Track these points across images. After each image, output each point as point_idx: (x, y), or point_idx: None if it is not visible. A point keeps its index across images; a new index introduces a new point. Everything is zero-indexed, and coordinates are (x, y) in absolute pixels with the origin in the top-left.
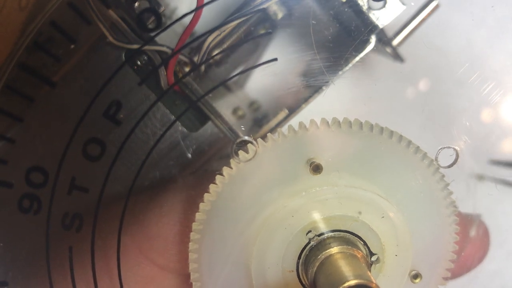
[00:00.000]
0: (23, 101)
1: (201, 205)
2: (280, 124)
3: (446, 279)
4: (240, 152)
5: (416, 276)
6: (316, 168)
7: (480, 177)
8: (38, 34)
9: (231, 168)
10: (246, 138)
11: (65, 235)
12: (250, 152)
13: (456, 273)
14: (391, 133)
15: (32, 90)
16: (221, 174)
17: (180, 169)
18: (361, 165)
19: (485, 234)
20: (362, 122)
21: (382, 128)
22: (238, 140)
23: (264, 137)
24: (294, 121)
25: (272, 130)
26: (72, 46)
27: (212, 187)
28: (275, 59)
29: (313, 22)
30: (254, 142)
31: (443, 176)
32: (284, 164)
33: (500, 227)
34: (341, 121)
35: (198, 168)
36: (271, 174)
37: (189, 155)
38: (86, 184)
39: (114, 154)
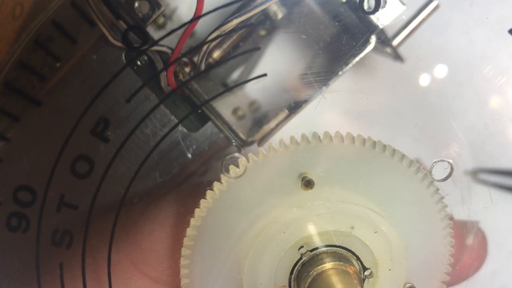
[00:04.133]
0: (9, 120)
1: (192, 221)
2: (280, 124)
3: None
4: (231, 167)
5: None
6: (308, 183)
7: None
8: (23, 52)
9: (221, 183)
10: (236, 154)
11: (55, 252)
12: (240, 168)
13: (452, 282)
14: (384, 147)
15: (17, 109)
16: (212, 190)
17: (180, 169)
18: (354, 180)
19: (482, 243)
20: (354, 136)
21: (374, 142)
22: (228, 157)
23: (255, 152)
24: (291, 125)
25: (272, 130)
26: (58, 64)
27: (202, 202)
28: (265, 75)
29: (312, 23)
30: (243, 158)
31: (438, 189)
32: (275, 179)
33: (500, 228)
34: (332, 136)
35: (198, 168)
36: (262, 189)
37: (189, 155)
38: (75, 201)
39: (103, 170)
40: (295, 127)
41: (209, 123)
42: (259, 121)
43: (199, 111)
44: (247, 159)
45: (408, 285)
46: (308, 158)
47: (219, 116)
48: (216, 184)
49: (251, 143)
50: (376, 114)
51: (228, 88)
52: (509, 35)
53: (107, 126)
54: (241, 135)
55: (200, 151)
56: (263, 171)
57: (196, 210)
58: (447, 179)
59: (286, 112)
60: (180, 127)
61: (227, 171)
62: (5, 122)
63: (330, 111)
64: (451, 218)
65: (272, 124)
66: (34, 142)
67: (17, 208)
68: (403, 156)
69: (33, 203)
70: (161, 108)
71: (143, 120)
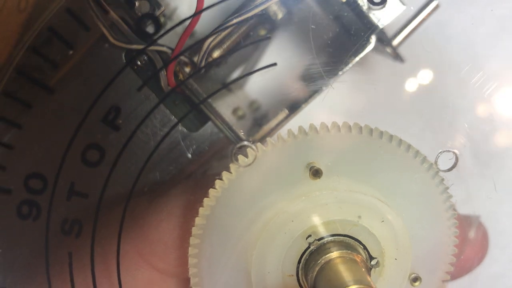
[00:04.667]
0: (21, 107)
1: (201, 210)
2: (280, 124)
3: (445, 281)
4: (240, 157)
5: (415, 279)
6: (316, 173)
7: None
8: (36, 40)
9: (230, 173)
10: (246, 143)
11: (64, 241)
12: (249, 157)
13: (455, 275)
14: (391, 137)
15: (29, 96)
16: (221, 179)
17: (180, 169)
18: (361, 169)
19: (484, 236)
20: (361, 126)
21: (381, 132)
22: (238, 145)
23: (263, 142)
24: (293, 123)
25: (272, 130)
26: (71, 52)
27: (211, 192)
28: (275, 64)
29: (312, 23)
30: (253, 146)
31: (443, 179)
32: (283, 168)
33: (503, 230)
34: (340, 125)
35: (198, 168)
36: (271, 178)
37: (189, 155)
38: (85, 189)
39: (113, 159)
40: (303, 115)
41: (209, 123)
42: (259, 121)
43: (199, 111)
44: (256, 148)
45: (413, 275)
46: (316, 148)
47: (219, 116)
48: (225, 174)
49: (251, 143)
50: (376, 114)
51: (228, 83)
52: (509, 34)
53: (118, 115)
54: (241, 135)
55: (200, 151)
56: (271, 160)
57: (205, 199)
58: (452, 170)
59: (286, 112)
60: (180, 127)
61: (236, 160)
62: (17, 109)
63: (330, 111)
64: (455, 209)
65: (272, 124)
66: (45, 129)
67: (29, 195)
68: (409, 147)
69: (44, 190)
70: (160, 108)
71: (149, 113)
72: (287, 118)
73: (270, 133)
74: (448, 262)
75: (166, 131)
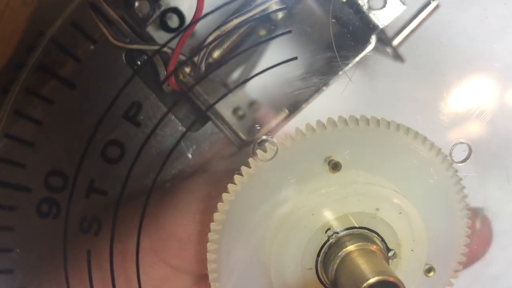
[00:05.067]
0: (43, 104)
1: (220, 205)
2: (280, 124)
3: (457, 271)
4: (259, 152)
5: (429, 270)
6: (335, 166)
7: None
8: (58, 34)
9: (249, 167)
10: (265, 137)
11: (83, 239)
12: (269, 152)
13: (463, 265)
14: (408, 130)
15: (51, 92)
16: (240, 174)
17: (180, 170)
18: (378, 162)
19: (488, 226)
20: (379, 119)
21: (398, 125)
22: (259, 140)
23: (282, 137)
24: (293, 124)
25: (272, 130)
26: (92, 47)
27: (230, 187)
28: (295, 58)
29: (312, 23)
30: (274, 141)
31: (456, 171)
32: (302, 162)
33: (504, 230)
34: (358, 118)
35: (198, 169)
36: (290, 173)
37: (189, 155)
38: (105, 187)
39: (134, 155)
40: (297, 123)
41: (209, 123)
42: (259, 121)
43: (199, 111)
44: (276, 143)
45: (427, 266)
46: (334, 142)
47: (219, 116)
48: (244, 169)
49: (251, 143)
50: (376, 114)
51: (240, 83)
52: (509, 34)
53: (139, 111)
54: (241, 135)
55: (200, 151)
56: (291, 155)
57: (224, 194)
58: (465, 161)
59: (286, 112)
60: (180, 127)
61: (256, 155)
62: (38, 105)
63: (330, 111)
64: (467, 200)
65: (272, 124)
66: (66, 126)
67: (48, 193)
68: (425, 139)
69: (64, 188)
70: (161, 109)
71: (170, 109)
72: (287, 118)
73: (270, 133)
74: (461, 253)
75: (166, 131)
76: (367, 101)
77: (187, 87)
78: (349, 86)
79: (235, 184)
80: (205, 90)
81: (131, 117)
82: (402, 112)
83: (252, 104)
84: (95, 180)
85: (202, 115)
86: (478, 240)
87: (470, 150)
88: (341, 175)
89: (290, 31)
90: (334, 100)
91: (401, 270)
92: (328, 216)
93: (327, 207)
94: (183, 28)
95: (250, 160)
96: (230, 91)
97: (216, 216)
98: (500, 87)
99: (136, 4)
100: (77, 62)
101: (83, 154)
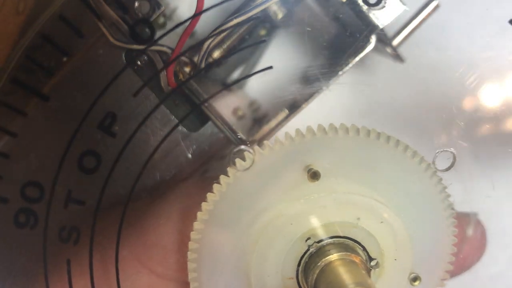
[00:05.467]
0: (16, 115)
1: (199, 214)
2: (280, 124)
3: (444, 280)
4: (238, 160)
5: (415, 279)
6: (314, 175)
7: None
8: (30, 46)
9: (228, 176)
10: (243, 147)
11: (62, 248)
12: (247, 160)
13: (453, 273)
14: (388, 138)
15: (24, 103)
16: (219, 183)
17: (179, 170)
18: (359, 171)
19: (482, 234)
20: (359, 128)
21: (379, 134)
22: (235, 149)
23: (261, 144)
24: (293, 124)
25: (272, 130)
26: (65, 59)
27: (209, 196)
28: (270, 67)
29: (312, 23)
30: (251, 150)
31: (441, 179)
32: (281, 171)
33: (503, 230)
34: (338, 127)
35: (198, 169)
36: (269, 181)
37: (189, 155)
38: (82, 197)
39: (110, 165)
40: (295, 126)
41: (209, 123)
42: (259, 121)
43: (199, 110)
44: (254, 152)
45: (413, 274)
46: (314, 150)
47: (219, 116)
48: (222, 178)
49: (251, 143)
50: (376, 113)
51: (228, 85)
52: (509, 33)
53: (114, 121)
54: (241, 135)
55: (200, 151)
56: (269, 163)
57: (203, 203)
58: (449, 169)
59: (286, 112)
60: (180, 127)
61: (234, 164)
62: (12, 117)
63: (330, 111)
64: (453, 208)
65: (272, 124)
66: (41, 137)
67: (25, 204)
68: (406, 147)
69: (41, 199)
70: (161, 108)
71: (146, 118)
72: (287, 118)
73: (270, 133)
74: (447, 261)
75: (166, 132)
76: (366, 101)
77: (187, 87)
78: (349, 86)
79: (213, 193)
80: (205, 90)
81: (106, 128)
82: (402, 112)
83: (252, 104)
84: (72, 191)
85: (196, 108)
86: (470, 247)
87: (455, 158)
88: (320, 184)
89: (264, 40)
90: (333, 100)
91: (385, 279)
92: (308, 225)
93: (307, 216)
94: (155, 40)
95: (229, 169)
96: (224, 88)
97: (195, 225)
98: (500, 88)
99: (136, 4)
100: (50, 74)
101: (60, 165)
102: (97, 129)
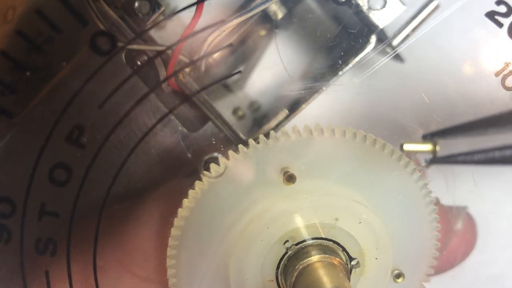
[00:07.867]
0: None
1: (176, 221)
2: (280, 124)
3: (429, 275)
4: (212, 166)
5: (398, 275)
6: (290, 178)
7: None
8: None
9: (202, 183)
10: (215, 154)
11: (40, 260)
12: (221, 166)
13: (441, 268)
14: (365, 137)
15: None
16: (193, 189)
17: (180, 170)
18: (337, 172)
19: (471, 227)
20: (334, 129)
21: (355, 133)
22: (206, 157)
23: (235, 150)
24: (293, 124)
25: (272, 130)
26: (28, 74)
27: (185, 202)
28: (239, 72)
29: (312, 23)
30: (222, 156)
31: (421, 175)
32: (257, 175)
33: (503, 230)
34: (312, 128)
35: (177, 172)
36: (244, 186)
37: (189, 155)
38: (56, 208)
39: (82, 176)
40: (303, 116)
41: (209, 123)
42: (259, 121)
43: (200, 111)
44: (228, 157)
45: (396, 271)
46: (289, 153)
47: (219, 116)
48: (197, 184)
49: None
50: (375, 113)
51: (206, 86)
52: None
53: (82, 133)
54: (241, 135)
55: (200, 151)
56: (244, 168)
57: (179, 210)
58: (430, 166)
59: (286, 112)
60: (180, 127)
61: (208, 170)
62: None
63: (330, 111)
64: (436, 203)
65: (272, 124)
66: (9, 153)
67: None
68: (384, 145)
69: (13, 214)
70: (161, 108)
71: (112, 131)
72: (287, 118)
73: (223, 146)
74: (431, 257)
75: (167, 131)
76: (366, 101)
77: (187, 87)
78: (348, 86)
79: (189, 199)
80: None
81: (74, 140)
82: (402, 112)
83: (252, 104)
84: (46, 203)
85: (188, 101)
86: (459, 240)
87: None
88: (296, 186)
89: (240, 72)
90: (333, 100)
91: (366, 278)
92: (285, 228)
93: (284, 219)
94: (115, 51)
95: (202, 175)
96: (218, 81)
97: (172, 231)
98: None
99: (136, 4)
100: (13, 92)
101: (31, 179)
102: (65, 141)
